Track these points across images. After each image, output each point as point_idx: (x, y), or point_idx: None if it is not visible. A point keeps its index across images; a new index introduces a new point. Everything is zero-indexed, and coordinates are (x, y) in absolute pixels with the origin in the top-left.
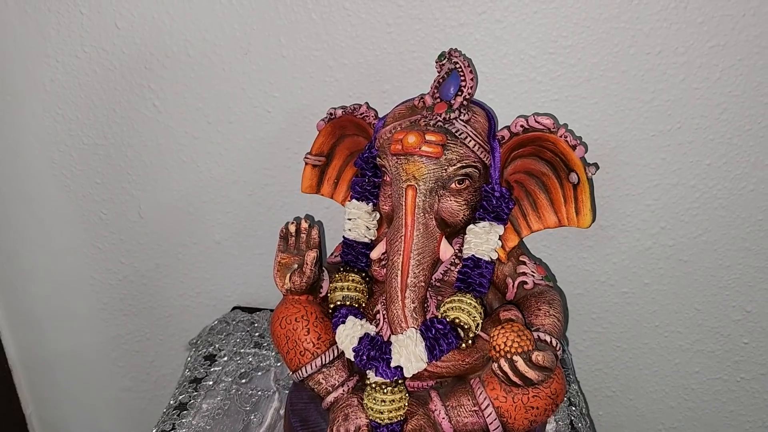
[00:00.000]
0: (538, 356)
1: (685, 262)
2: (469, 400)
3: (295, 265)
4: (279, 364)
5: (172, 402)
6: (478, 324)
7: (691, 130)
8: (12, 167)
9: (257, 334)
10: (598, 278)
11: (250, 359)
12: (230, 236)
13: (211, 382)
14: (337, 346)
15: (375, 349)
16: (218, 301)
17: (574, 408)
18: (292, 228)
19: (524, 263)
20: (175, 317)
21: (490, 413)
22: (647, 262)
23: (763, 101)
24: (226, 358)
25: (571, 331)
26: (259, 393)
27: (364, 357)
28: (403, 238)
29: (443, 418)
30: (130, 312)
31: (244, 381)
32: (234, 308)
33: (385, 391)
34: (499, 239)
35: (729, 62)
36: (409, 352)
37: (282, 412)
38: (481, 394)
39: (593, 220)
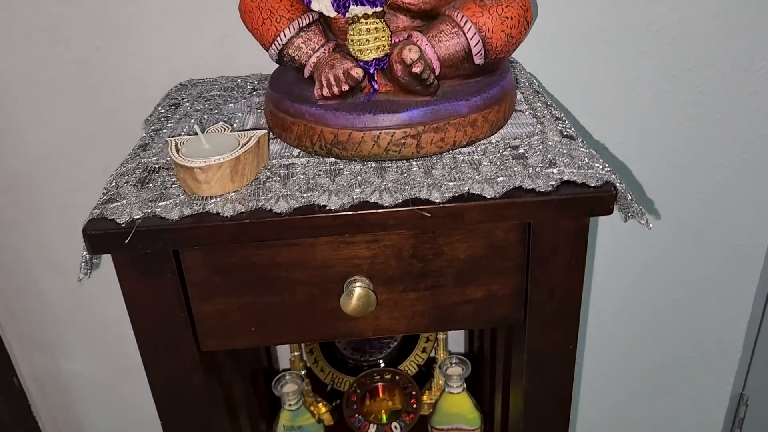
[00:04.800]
0: None
1: None
2: (448, 24)
3: None
4: (248, 95)
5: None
6: None
7: None
8: None
9: (217, 87)
10: None
11: (218, 100)
12: None
13: (179, 116)
14: (310, 14)
15: None
16: (172, 81)
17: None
18: None
19: None
20: (128, 107)
21: (470, 28)
22: None
23: None
24: (189, 102)
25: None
26: (232, 114)
27: None
28: None
29: (426, 45)
30: (81, 110)
31: (215, 111)
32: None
33: (369, 21)
34: None
35: None
36: None
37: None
38: (458, 14)
39: None
